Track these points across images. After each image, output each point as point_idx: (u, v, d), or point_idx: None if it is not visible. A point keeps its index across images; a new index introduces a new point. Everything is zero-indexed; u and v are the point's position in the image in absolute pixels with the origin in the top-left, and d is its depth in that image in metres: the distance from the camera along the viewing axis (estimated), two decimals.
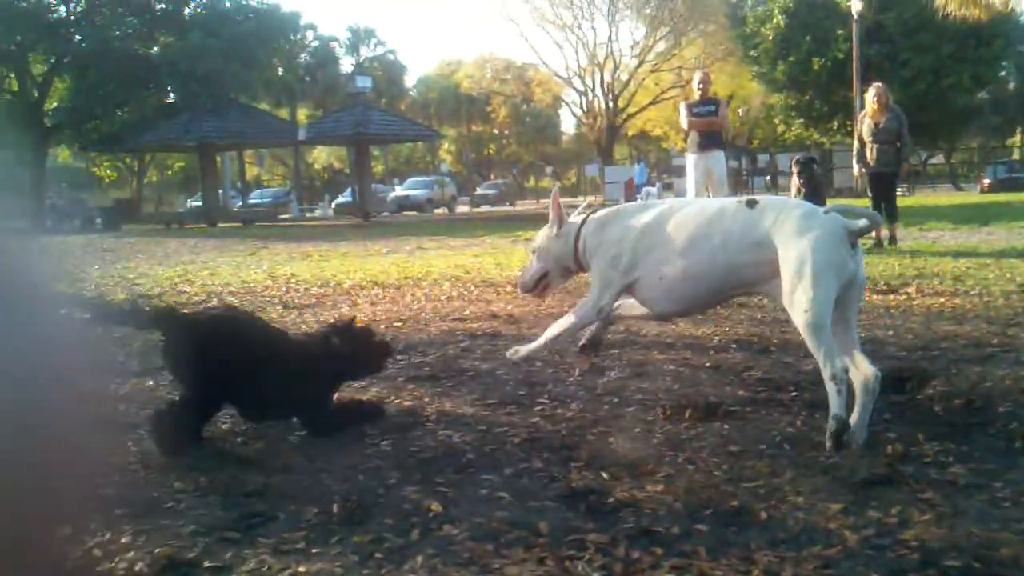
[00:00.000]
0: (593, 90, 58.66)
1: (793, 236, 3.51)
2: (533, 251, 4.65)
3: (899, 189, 12.85)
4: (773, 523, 2.68)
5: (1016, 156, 54.88)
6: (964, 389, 4.08)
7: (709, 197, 11.61)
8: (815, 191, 10.02)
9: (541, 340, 4.36)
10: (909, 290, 7.24)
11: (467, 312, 7.07)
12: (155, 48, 41.03)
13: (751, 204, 3.78)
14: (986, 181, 40.66)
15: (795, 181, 10.41)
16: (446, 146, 71.14)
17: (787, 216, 3.58)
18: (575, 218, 4.51)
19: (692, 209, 4.03)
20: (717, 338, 5.55)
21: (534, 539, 2.60)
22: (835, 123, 40.17)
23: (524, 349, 4.38)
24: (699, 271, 3.85)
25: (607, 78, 57.01)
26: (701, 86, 12.01)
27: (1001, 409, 3.74)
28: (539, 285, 4.68)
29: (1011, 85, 50.97)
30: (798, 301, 3.44)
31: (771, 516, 2.73)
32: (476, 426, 3.81)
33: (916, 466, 3.12)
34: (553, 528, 2.67)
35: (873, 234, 11.10)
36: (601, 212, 4.43)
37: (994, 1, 25.99)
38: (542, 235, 4.62)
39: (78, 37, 38.90)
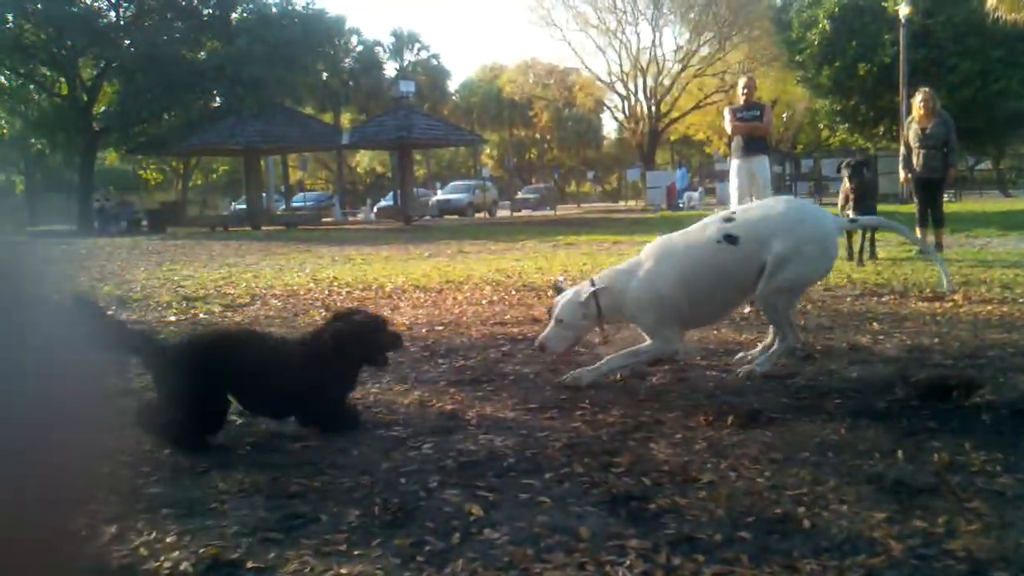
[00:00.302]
0: (636, 94, 58.57)
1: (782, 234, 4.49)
2: (560, 320, 4.66)
3: (946, 195, 12.65)
4: (816, 531, 2.66)
5: None
6: (1012, 398, 4.02)
7: (752, 201, 11.57)
8: (864, 196, 9.90)
9: (604, 367, 4.51)
10: (956, 297, 7.14)
11: (508, 316, 7.08)
12: (202, 53, 41.56)
13: (731, 240, 4.50)
14: None
15: (845, 185, 10.29)
16: (488, 150, 71.25)
17: (769, 225, 4.55)
18: (584, 290, 4.64)
19: (680, 255, 4.63)
20: (760, 345, 5.50)
21: (574, 544, 2.60)
22: (881, 128, 39.76)
23: (587, 377, 4.50)
24: (717, 305, 4.82)
25: (650, 83, 56.86)
26: (746, 91, 11.94)
27: None
28: (570, 352, 4.94)
29: None
30: (782, 278, 4.44)
31: (814, 524, 2.71)
32: (517, 430, 3.81)
33: (963, 475, 3.08)
34: (594, 533, 2.67)
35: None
36: (607, 279, 4.69)
37: None
38: (570, 309, 4.65)
39: (127, 42, 39.53)
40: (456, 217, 42.46)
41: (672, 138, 65.02)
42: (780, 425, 3.76)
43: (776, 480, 3.08)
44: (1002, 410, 3.84)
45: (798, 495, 2.94)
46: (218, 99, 40.71)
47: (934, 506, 2.82)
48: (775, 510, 2.82)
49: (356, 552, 2.61)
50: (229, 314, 7.91)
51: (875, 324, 6.07)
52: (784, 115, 50.42)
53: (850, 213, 9.52)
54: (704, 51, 54.95)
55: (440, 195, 47.93)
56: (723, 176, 27.48)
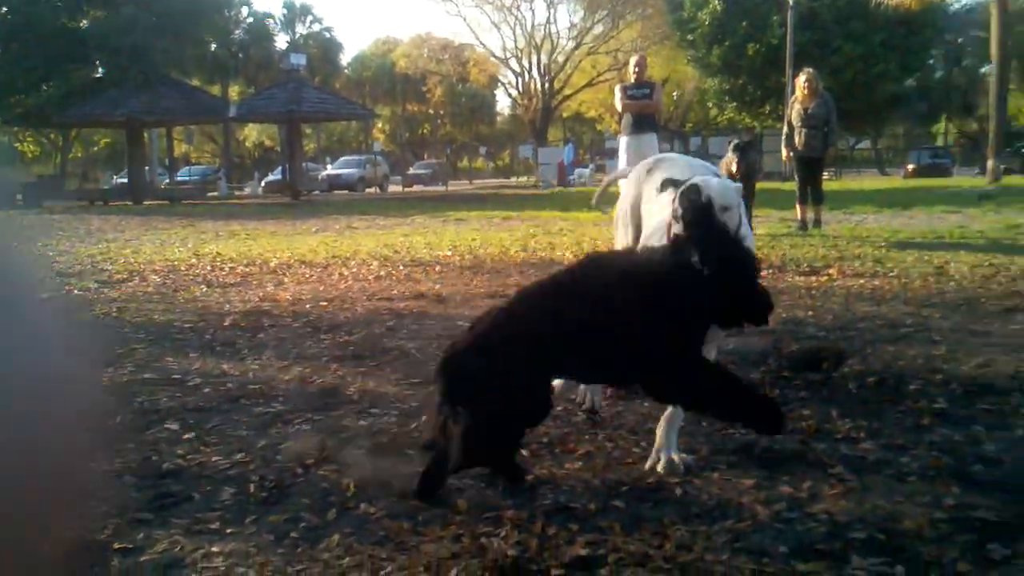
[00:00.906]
0: (529, 71, 58.72)
1: None
2: None
3: (826, 173, 13.02)
4: (688, 499, 2.73)
5: (940, 143, 56.20)
6: (878, 368, 4.17)
7: None
8: (749, 175, 10.09)
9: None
10: (831, 272, 7.37)
11: (394, 291, 7.03)
12: (84, 21, 39.94)
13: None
14: (910, 166, 41.61)
15: (729, 158, 10.42)
16: (380, 125, 70.43)
17: None
18: None
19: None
20: None
21: (452, 516, 2.61)
22: (767, 107, 40.65)
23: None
24: None
25: (544, 59, 57.04)
26: (637, 69, 12.03)
27: (912, 387, 3.83)
28: None
29: (937, 74, 52.04)
30: None
31: (686, 492, 2.78)
32: (399, 405, 3.80)
33: (828, 442, 3.19)
34: (472, 505, 2.68)
35: (798, 216, 11.32)
36: None
37: None
38: None
39: (3, 9, 37.73)
40: (346, 192, 41.92)
41: (565, 115, 65.35)
42: None
43: (651, 451, 3.14)
44: (868, 379, 3.98)
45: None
46: (101, 69, 39.24)
47: (800, 472, 2.91)
48: (648, 479, 2.88)
49: (229, 530, 2.57)
50: (105, 291, 7.67)
51: None
52: (674, 94, 51.15)
53: None
54: (598, 29, 55.34)
55: (330, 170, 47.18)
56: (613, 154, 27.76)
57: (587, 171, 42.45)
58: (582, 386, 3.67)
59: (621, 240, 3.63)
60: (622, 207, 3.66)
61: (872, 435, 3.25)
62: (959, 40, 50.98)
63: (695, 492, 2.77)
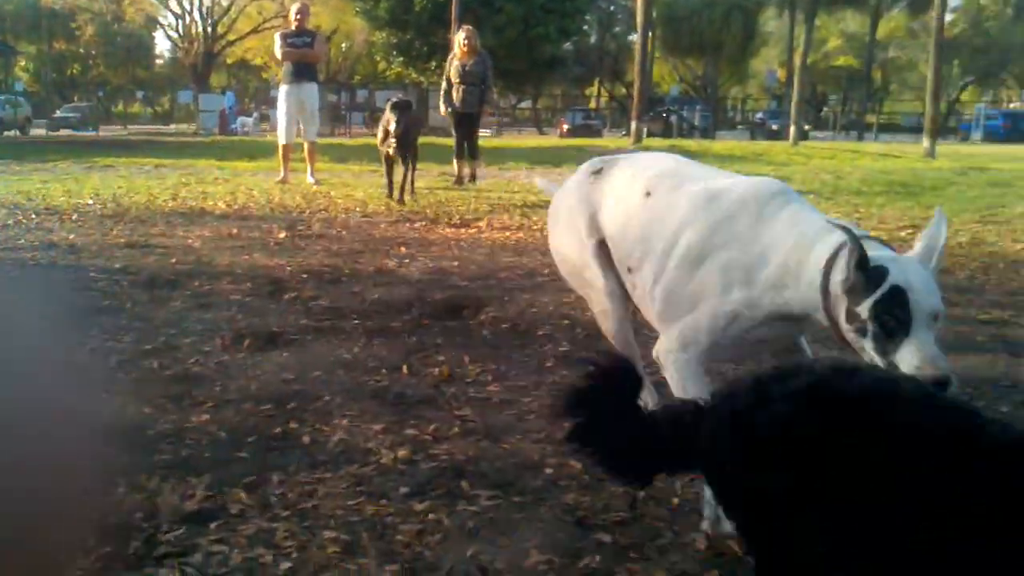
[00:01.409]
0: (191, 13, 55.78)
1: None
2: None
3: (488, 131, 13.44)
4: (315, 446, 2.73)
5: (593, 105, 59.85)
6: (512, 315, 4.38)
7: (300, 129, 11.53)
8: (407, 132, 10.16)
9: None
10: (480, 224, 7.63)
11: (22, 241, 6.45)
12: None
13: None
14: (565, 126, 43.93)
15: (388, 117, 10.41)
16: (23, 63, 64.33)
17: None
18: None
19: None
20: (290, 268, 5.51)
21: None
22: (433, 63, 41.25)
23: None
24: None
25: (206, 2, 54.41)
26: (298, 17, 11.79)
27: (540, 332, 4.07)
28: None
29: (592, 39, 55.21)
30: None
31: (314, 440, 2.78)
32: None
33: (458, 386, 3.31)
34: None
35: (455, 171, 11.61)
36: None
37: None
38: None
39: None
40: None
41: (230, 61, 62.84)
42: (298, 346, 3.80)
43: (281, 399, 3.11)
44: (502, 326, 4.17)
45: (301, 413, 2.99)
46: None
47: (428, 416, 3.00)
48: (275, 429, 2.85)
49: None
50: None
51: (403, 248, 6.31)
52: (343, 45, 50.64)
53: (389, 150, 9.71)
54: None
55: None
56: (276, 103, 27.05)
57: (251, 120, 41.16)
58: None
59: (575, 251, 2.87)
60: (572, 220, 2.88)
61: (498, 378, 3.41)
62: (611, 8, 54.37)
63: (323, 439, 2.77)
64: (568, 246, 2.92)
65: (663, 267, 2.42)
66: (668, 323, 2.40)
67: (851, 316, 1.98)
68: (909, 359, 1.87)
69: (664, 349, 2.38)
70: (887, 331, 1.91)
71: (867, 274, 1.94)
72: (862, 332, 1.96)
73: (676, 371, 2.34)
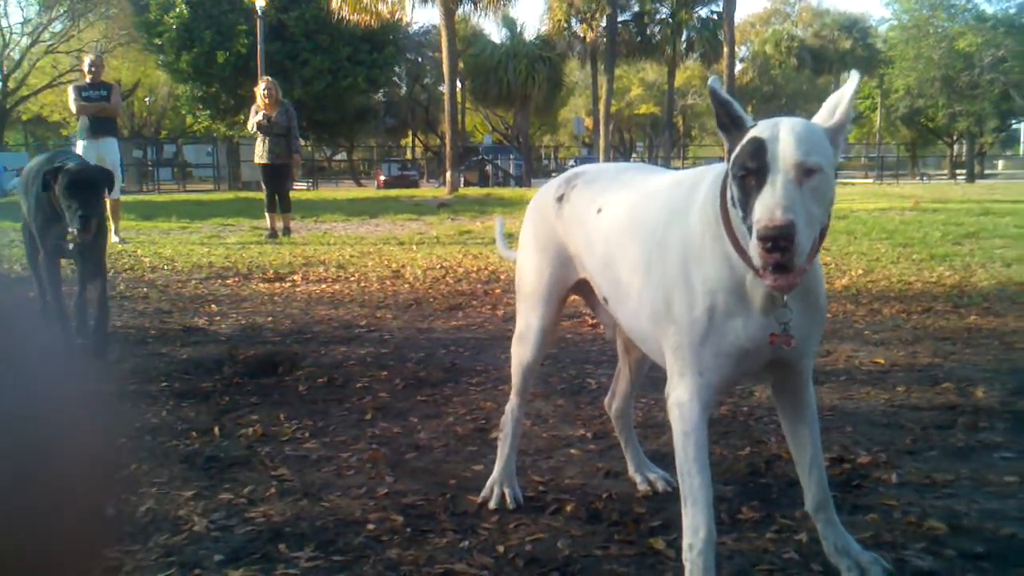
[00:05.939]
0: None
1: None
2: None
3: (304, 184, 13.27)
4: (122, 517, 2.59)
5: (409, 156, 60.20)
6: (328, 368, 4.31)
7: None
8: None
9: None
10: (295, 278, 7.50)
11: None
12: None
13: None
14: (382, 177, 43.99)
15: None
16: None
17: None
18: None
19: None
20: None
21: None
22: (241, 116, 40.54)
23: None
24: None
25: None
26: (93, 69, 11.37)
27: (358, 385, 4.02)
28: None
29: (403, 90, 55.59)
30: None
31: (121, 510, 2.63)
32: None
33: (274, 445, 3.22)
34: None
35: (268, 225, 11.41)
36: None
37: (382, 10, 28.13)
38: None
39: None
40: None
41: (25, 118, 59.83)
42: (101, 409, 3.61)
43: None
44: (318, 380, 4.10)
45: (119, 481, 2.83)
46: None
47: (243, 477, 2.90)
48: None
49: None
50: None
51: (214, 306, 6.13)
52: (147, 99, 49.10)
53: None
54: (57, 26, 51.34)
55: None
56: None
57: None
58: None
59: (533, 284, 2.61)
60: (531, 248, 2.63)
61: (315, 434, 3.34)
62: (419, 59, 54.94)
63: (130, 509, 2.63)
64: (527, 269, 2.65)
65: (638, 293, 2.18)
66: (672, 364, 2.08)
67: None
68: (758, 213, 1.68)
69: (673, 402, 2.05)
70: (745, 190, 1.75)
71: (737, 133, 1.83)
72: (733, 204, 1.81)
73: (682, 431, 2.02)
